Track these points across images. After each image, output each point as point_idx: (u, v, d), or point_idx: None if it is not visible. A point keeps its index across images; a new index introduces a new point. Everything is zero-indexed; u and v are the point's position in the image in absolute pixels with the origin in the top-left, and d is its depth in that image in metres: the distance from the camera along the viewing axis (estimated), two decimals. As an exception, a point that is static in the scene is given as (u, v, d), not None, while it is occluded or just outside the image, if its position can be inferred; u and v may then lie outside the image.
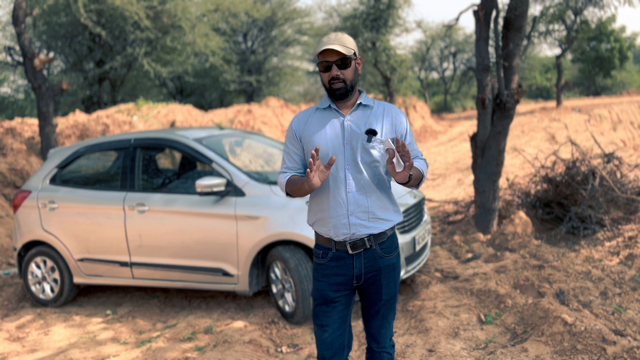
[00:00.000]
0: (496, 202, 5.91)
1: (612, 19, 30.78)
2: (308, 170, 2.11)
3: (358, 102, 2.31)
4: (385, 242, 2.36)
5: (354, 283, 2.35)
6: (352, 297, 2.41)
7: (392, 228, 2.39)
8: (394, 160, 2.08)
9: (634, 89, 37.20)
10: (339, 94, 2.25)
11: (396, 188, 4.70)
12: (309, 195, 2.39)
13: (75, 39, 17.68)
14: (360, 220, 2.27)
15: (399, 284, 2.44)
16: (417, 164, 2.32)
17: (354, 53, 2.26)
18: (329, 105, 2.32)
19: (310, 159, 2.10)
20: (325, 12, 23.92)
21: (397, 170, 2.09)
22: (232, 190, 4.23)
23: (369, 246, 2.31)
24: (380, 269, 2.35)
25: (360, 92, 2.35)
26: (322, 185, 2.29)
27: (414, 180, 2.22)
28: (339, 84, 2.24)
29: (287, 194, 2.36)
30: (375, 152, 2.26)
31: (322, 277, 2.36)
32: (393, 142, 2.13)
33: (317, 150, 2.09)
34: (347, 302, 2.39)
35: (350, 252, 2.30)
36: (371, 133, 2.24)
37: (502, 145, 5.73)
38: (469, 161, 11.52)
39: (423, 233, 4.52)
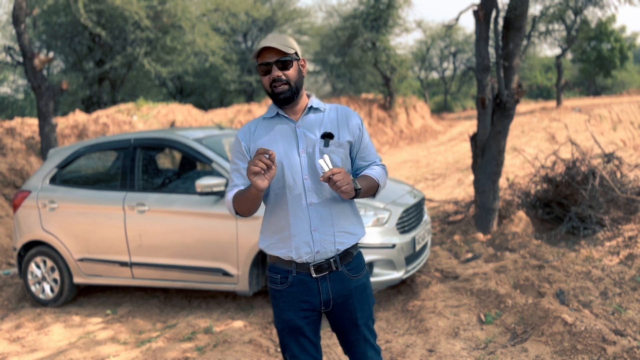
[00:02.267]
0: (496, 202, 5.90)
1: (612, 19, 30.79)
2: (253, 168, 1.84)
3: (308, 105, 2.11)
4: (352, 262, 2.13)
5: (322, 309, 2.12)
6: (320, 322, 2.18)
7: (357, 246, 2.18)
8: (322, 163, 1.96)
9: (634, 89, 37.19)
10: (283, 98, 2.03)
11: (395, 187, 4.71)
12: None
13: (75, 39, 17.68)
14: (324, 236, 2.05)
15: (373, 304, 2.22)
16: (371, 172, 2.15)
17: (296, 53, 2.06)
18: (277, 113, 2.10)
19: (264, 161, 1.84)
20: (326, 12, 23.94)
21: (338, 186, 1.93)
22: (232, 190, 4.22)
23: (334, 268, 2.08)
24: (351, 292, 2.11)
25: (309, 95, 2.16)
26: (279, 201, 2.06)
27: (364, 193, 2.07)
28: (282, 86, 2.01)
29: (236, 213, 2.09)
30: (334, 157, 2.06)
31: (284, 305, 2.11)
32: (326, 163, 1.97)
33: (272, 157, 1.85)
34: (316, 329, 2.17)
35: (314, 275, 2.06)
36: (327, 137, 2.05)
37: (502, 145, 5.73)
38: (469, 161, 11.51)
39: (423, 233, 4.52)
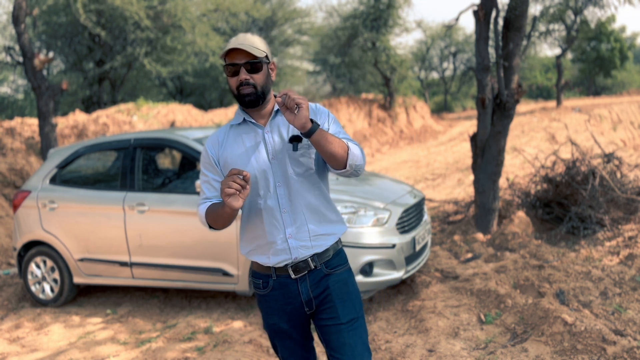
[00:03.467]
0: (496, 202, 5.90)
1: (612, 19, 30.79)
2: (227, 190, 1.77)
3: (275, 108, 2.05)
4: (331, 259, 2.07)
5: (307, 311, 2.07)
6: (309, 325, 2.14)
7: (338, 242, 2.12)
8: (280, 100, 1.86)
9: (634, 89, 37.20)
10: (249, 101, 1.96)
11: (395, 187, 4.71)
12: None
13: (75, 39, 17.67)
14: (300, 242, 2.00)
15: (360, 307, 2.10)
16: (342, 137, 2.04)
17: (266, 56, 1.99)
18: (244, 119, 2.04)
19: (237, 182, 1.78)
20: (326, 12, 23.93)
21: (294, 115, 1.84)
22: (232, 190, 4.22)
23: (313, 267, 2.03)
24: (328, 287, 2.05)
25: (275, 96, 2.06)
26: (253, 209, 2.02)
27: (324, 140, 1.89)
28: (248, 89, 1.95)
29: (210, 227, 2.03)
30: (305, 160, 2.00)
31: (268, 309, 2.09)
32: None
33: (246, 177, 1.79)
34: (305, 330, 2.13)
35: (293, 276, 2.02)
36: (295, 140, 1.99)
37: (502, 145, 5.73)
38: (469, 161, 11.52)
39: (423, 233, 4.52)
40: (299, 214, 2.01)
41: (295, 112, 1.83)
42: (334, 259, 2.09)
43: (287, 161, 1.99)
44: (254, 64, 1.95)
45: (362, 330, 2.07)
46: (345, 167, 1.98)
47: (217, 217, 1.96)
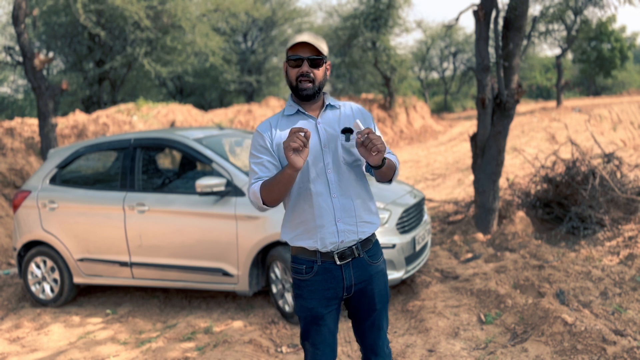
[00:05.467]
0: (496, 202, 5.90)
1: (613, 19, 30.76)
2: (292, 144, 1.91)
3: (326, 103, 2.21)
4: (372, 248, 2.25)
5: (344, 295, 2.22)
6: (340, 310, 2.29)
7: (374, 234, 2.29)
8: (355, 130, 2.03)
9: (634, 89, 37.19)
10: (306, 95, 2.12)
11: (395, 187, 4.71)
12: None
13: (75, 39, 17.67)
14: (348, 226, 2.15)
15: (389, 291, 2.34)
16: (389, 157, 2.22)
17: (325, 56, 2.15)
18: (297, 110, 2.19)
19: (301, 138, 1.92)
20: (326, 12, 23.93)
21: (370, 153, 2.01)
22: (232, 190, 4.23)
23: (357, 255, 2.19)
24: (371, 277, 2.23)
25: (324, 94, 2.24)
26: (303, 194, 2.14)
27: (387, 168, 2.13)
28: (307, 83, 2.10)
29: (263, 203, 2.10)
30: (355, 151, 2.16)
31: (308, 294, 2.20)
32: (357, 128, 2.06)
33: (307, 134, 1.93)
34: (336, 316, 2.28)
35: (338, 262, 2.16)
36: (348, 132, 2.13)
37: (502, 145, 5.73)
38: (469, 161, 11.52)
39: (423, 233, 4.52)
40: (347, 199, 2.16)
41: (373, 154, 2.01)
42: (374, 248, 2.26)
43: (338, 150, 2.15)
44: (316, 59, 2.11)
45: (386, 313, 2.34)
46: (390, 182, 2.23)
47: (274, 186, 2.05)
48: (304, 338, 2.27)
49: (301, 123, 2.16)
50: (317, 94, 2.15)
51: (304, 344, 2.29)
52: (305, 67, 2.10)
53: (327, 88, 27.33)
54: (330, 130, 2.16)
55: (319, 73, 2.13)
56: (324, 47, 2.13)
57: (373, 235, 2.27)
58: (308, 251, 2.18)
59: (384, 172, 2.14)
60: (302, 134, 1.93)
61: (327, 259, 2.16)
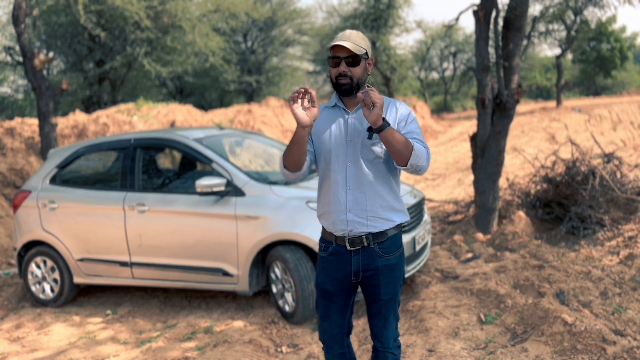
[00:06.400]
0: (496, 202, 5.91)
1: (613, 19, 30.77)
2: (290, 97, 2.14)
3: None
4: (385, 242, 2.36)
5: (353, 279, 2.38)
6: (353, 293, 2.45)
7: (396, 228, 2.39)
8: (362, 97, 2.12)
9: (634, 89, 37.18)
10: (344, 90, 2.28)
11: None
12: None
13: (75, 39, 17.68)
14: (358, 218, 2.30)
15: (400, 286, 2.44)
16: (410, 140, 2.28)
17: (365, 53, 2.27)
18: (336, 104, 2.37)
19: (298, 91, 2.12)
20: (326, 12, 23.94)
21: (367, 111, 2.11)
22: (232, 190, 4.23)
23: (366, 244, 2.33)
24: (378, 269, 2.35)
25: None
26: (326, 180, 2.34)
27: (396, 141, 2.14)
28: (345, 80, 2.26)
29: (284, 167, 2.32)
30: (377, 149, 2.28)
31: (321, 270, 2.43)
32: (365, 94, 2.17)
33: (313, 96, 2.13)
34: (347, 297, 2.44)
35: (348, 248, 2.33)
36: (372, 130, 2.22)
37: (502, 145, 5.73)
38: (469, 161, 11.52)
39: (423, 233, 4.52)
40: (361, 193, 2.30)
41: (371, 109, 2.10)
42: (388, 242, 2.36)
43: (360, 146, 2.29)
44: (354, 58, 2.25)
45: (395, 304, 2.44)
46: (406, 165, 2.23)
47: (289, 146, 2.25)
48: (316, 308, 2.50)
49: (334, 115, 2.34)
50: (356, 89, 2.27)
51: (317, 313, 2.51)
52: (343, 67, 2.25)
53: (327, 88, 27.40)
54: (358, 126, 2.30)
55: (357, 70, 2.26)
56: (362, 46, 2.25)
57: (391, 230, 2.36)
58: (327, 232, 2.40)
59: (393, 145, 2.15)
60: (304, 90, 2.11)
61: (341, 242, 2.35)
